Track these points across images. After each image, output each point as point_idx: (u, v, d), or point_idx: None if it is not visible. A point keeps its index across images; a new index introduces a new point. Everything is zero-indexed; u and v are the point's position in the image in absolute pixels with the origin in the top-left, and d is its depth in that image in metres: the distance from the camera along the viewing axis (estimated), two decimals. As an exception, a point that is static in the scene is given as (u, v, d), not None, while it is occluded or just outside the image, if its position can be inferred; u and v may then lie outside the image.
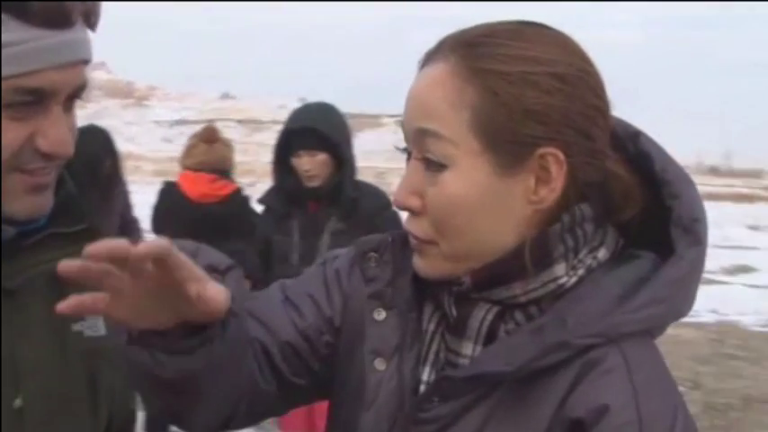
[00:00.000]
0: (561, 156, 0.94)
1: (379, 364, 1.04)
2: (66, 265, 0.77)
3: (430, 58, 1.00)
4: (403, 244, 1.09)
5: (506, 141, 0.94)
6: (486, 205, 0.96)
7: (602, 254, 1.00)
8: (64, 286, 1.06)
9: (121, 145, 4.25)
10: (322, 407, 3.87)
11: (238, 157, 4.57)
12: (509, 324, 0.98)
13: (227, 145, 4.57)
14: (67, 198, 1.10)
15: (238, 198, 4.42)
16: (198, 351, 0.89)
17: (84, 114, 1.13)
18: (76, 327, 1.11)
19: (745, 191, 34.42)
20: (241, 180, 4.75)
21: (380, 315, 1.06)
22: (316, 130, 3.35)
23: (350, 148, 3.49)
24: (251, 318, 1.05)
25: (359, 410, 1.05)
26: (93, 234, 1.03)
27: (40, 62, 0.95)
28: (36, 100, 0.96)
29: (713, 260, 10.50)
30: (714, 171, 41.16)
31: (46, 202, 1.04)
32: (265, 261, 3.55)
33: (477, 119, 0.94)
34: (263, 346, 1.06)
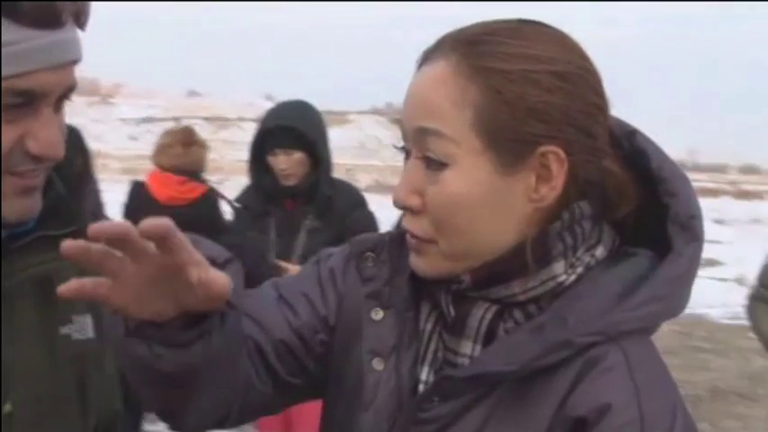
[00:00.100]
0: (562, 154, 0.94)
1: (377, 364, 1.04)
2: (69, 245, 0.75)
3: (429, 56, 0.99)
4: (400, 243, 1.08)
5: (508, 140, 0.94)
6: (487, 204, 0.95)
7: (599, 252, 1.00)
8: (52, 289, 1.05)
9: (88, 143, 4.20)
10: (299, 408, 3.85)
11: (202, 149, 4.53)
12: (508, 323, 0.98)
13: (203, 147, 4.52)
14: (56, 200, 1.09)
15: (208, 200, 4.35)
16: (196, 343, 0.88)
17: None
18: (64, 330, 1.10)
19: (710, 185, 34.79)
20: (209, 177, 4.71)
21: (378, 315, 1.06)
22: (292, 129, 3.34)
23: (326, 147, 3.48)
24: (244, 316, 1.04)
25: (356, 410, 1.04)
26: (82, 236, 1.01)
27: (31, 63, 0.94)
28: (26, 102, 0.95)
29: (680, 254, 10.49)
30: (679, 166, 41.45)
31: (35, 204, 1.03)
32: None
33: (479, 117, 0.93)
34: (256, 345, 1.05)
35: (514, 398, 0.96)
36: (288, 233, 3.43)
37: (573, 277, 0.98)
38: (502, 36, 0.96)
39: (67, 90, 1.00)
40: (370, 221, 3.51)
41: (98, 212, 4.16)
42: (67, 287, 0.79)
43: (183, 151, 4.27)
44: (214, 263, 0.87)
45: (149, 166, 4.44)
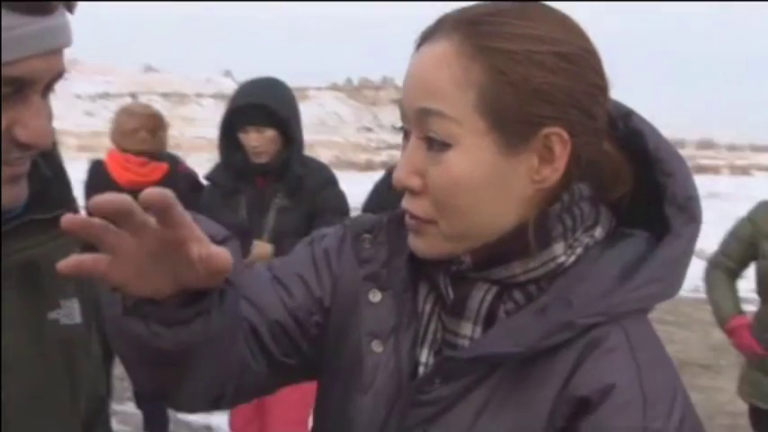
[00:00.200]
0: (566, 135, 0.94)
1: (377, 346, 1.04)
2: (70, 219, 0.74)
3: (429, 36, 0.98)
4: (398, 224, 1.07)
5: (512, 121, 0.93)
6: (489, 185, 0.95)
7: (598, 233, 1.00)
8: (39, 274, 1.06)
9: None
10: (271, 402, 3.73)
11: (166, 131, 4.39)
12: (508, 304, 0.98)
13: (167, 129, 4.38)
14: (43, 184, 1.08)
15: (172, 180, 4.21)
16: (195, 321, 0.86)
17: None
18: (52, 315, 1.09)
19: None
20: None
21: (376, 297, 1.06)
22: (264, 106, 3.27)
23: (298, 125, 3.42)
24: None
25: (354, 393, 1.04)
26: None
27: (23, 50, 0.92)
28: (16, 89, 0.93)
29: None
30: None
31: (21, 192, 1.01)
32: None
33: (483, 98, 0.92)
34: (251, 325, 1.05)
35: (515, 379, 0.96)
36: (258, 211, 3.37)
37: (572, 258, 0.98)
38: (505, 16, 0.94)
39: (56, 76, 0.98)
40: (340, 200, 3.48)
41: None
42: (66, 263, 0.77)
43: (149, 137, 4.13)
44: (213, 240, 0.85)
45: (107, 142, 4.28)
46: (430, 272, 1.03)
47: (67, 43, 0.97)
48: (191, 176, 4.22)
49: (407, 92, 0.98)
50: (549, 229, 0.96)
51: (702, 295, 3.73)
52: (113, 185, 3.88)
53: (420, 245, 1.00)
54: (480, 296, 0.98)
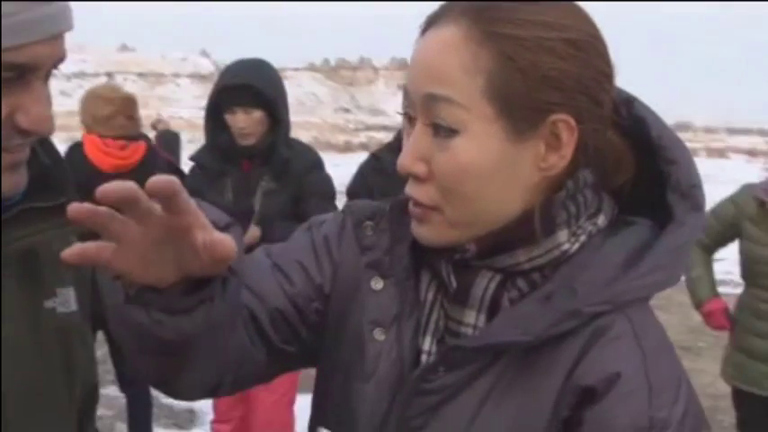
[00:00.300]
0: (573, 122, 0.93)
1: (379, 335, 1.03)
2: (76, 208, 0.73)
3: (435, 21, 0.96)
4: (400, 211, 1.06)
5: (521, 107, 0.92)
6: (496, 172, 0.94)
7: (601, 220, 1.00)
8: (37, 262, 1.06)
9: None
10: (254, 395, 3.72)
11: (140, 112, 4.32)
12: (512, 292, 0.97)
13: (138, 112, 4.30)
14: (43, 171, 1.07)
15: (152, 159, 4.16)
16: (197, 309, 0.86)
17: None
18: (49, 303, 1.08)
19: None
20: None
21: (378, 284, 1.05)
22: (252, 87, 3.23)
23: (285, 108, 3.38)
24: None
25: (355, 382, 1.04)
26: None
27: (27, 36, 0.90)
28: (17, 75, 0.91)
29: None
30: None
31: (21, 179, 1.00)
32: None
33: (491, 84, 0.91)
34: (251, 313, 1.04)
35: (520, 367, 0.96)
36: (244, 194, 3.33)
37: (576, 246, 0.97)
38: (514, 2, 0.93)
39: (58, 62, 0.97)
40: (326, 184, 3.46)
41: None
42: (71, 252, 0.77)
43: (126, 122, 4.05)
44: (216, 226, 0.84)
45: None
46: (432, 260, 1.02)
47: (69, 27, 0.96)
48: (171, 163, 4.20)
49: (413, 77, 0.96)
50: (554, 216, 0.96)
51: (682, 278, 3.75)
52: (95, 171, 3.84)
53: (425, 232, 0.99)
54: (484, 284, 0.98)
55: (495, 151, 0.93)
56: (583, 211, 0.97)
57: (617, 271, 0.94)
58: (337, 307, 1.08)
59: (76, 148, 3.98)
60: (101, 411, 4.15)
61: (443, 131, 0.93)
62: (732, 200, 3.36)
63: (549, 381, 0.94)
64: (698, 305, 3.48)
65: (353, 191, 3.83)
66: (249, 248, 1.11)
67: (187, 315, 0.85)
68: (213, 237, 0.78)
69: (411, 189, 0.98)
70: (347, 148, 33.55)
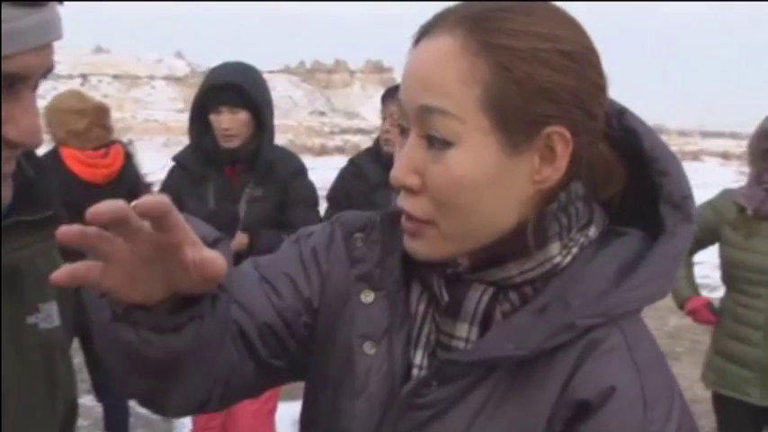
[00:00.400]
0: (568, 135, 0.92)
1: (369, 349, 1.02)
2: (65, 232, 0.71)
3: (429, 31, 0.95)
4: (391, 223, 1.05)
5: (516, 119, 0.91)
6: (491, 184, 0.93)
7: (592, 232, 0.99)
8: (20, 277, 1.04)
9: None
10: (236, 410, 3.66)
11: (115, 114, 4.26)
12: (504, 305, 0.97)
13: (111, 120, 4.24)
14: (28, 184, 1.04)
15: (129, 162, 4.14)
16: (187, 328, 0.85)
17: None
18: (31, 319, 1.06)
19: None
20: (119, 138, 4.45)
21: (368, 297, 1.04)
22: (239, 87, 3.20)
23: (270, 112, 3.35)
24: None
25: (344, 397, 1.02)
26: (59, 220, 0.99)
27: (18, 45, 0.88)
28: (7, 85, 0.89)
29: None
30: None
31: (7, 192, 0.98)
32: None
33: (487, 95, 0.90)
34: (239, 327, 1.03)
35: (513, 380, 0.95)
36: (225, 200, 3.30)
37: (568, 258, 0.97)
38: (509, 12, 0.93)
39: (47, 72, 0.95)
40: (311, 191, 3.43)
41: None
42: (60, 274, 0.75)
43: (102, 132, 4.00)
44: (204, 242, 0.82)
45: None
46: (423, 272, 1.01)
47: (59, 36, 0.94)
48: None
49: (407, 88, 0.95)
50: (546, 229, 0.95)
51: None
52: (87, 187, 3.80)
53: (419, 247, 0.97)
54: (477, 297, 0.97)
55: (490, 164, 0.92)
56: (574, 223, 0.97)
57: (610, 283, 0.93)
58: (326, 320, 1.06)
59: (54, 158, 3.84)
60: (77, 422, 4.10)
61: (438, 143, 0.92)
62: (711, 204, 3.37)
63: (542, 394, 0.93)
64: (681, 305, 3.49)
65: (333, 196, 3.82)
66: (236, 255, 1.08)
67: (176, 333, 0.84)
68: (203, 255, 0.77)
69: (404, 202, 0.96)
70: (323, 151, 33.51)
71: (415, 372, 1.00)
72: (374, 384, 1.01)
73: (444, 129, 0.91)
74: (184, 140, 3.57)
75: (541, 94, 0.90)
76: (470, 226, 0.94)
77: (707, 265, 3.59)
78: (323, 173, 3.59)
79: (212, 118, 3.23)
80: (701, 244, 3.42)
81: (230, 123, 3.21)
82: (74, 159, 3.86)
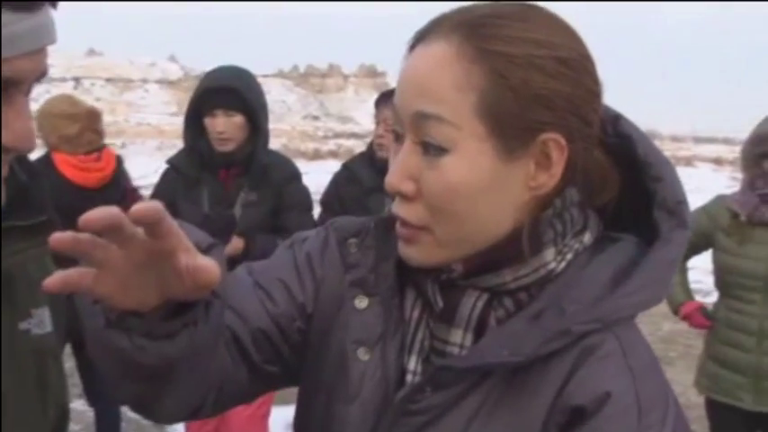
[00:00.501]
0: (563, 141, 0.92)
1: (363, 354, 1.02)
2: (58, 239, 0.71)
3: (424, 37, 0.95)
4: (385, 228, 1.05)
5: (512, 126, 0.91)
6: (487, 191, 0.92)
7: (587, 238, 0.99)
8: (13, 283, 1.03)
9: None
10: (229, 415, 3.65)
11: (107, 118, 4.24)
12: (498, 311, 0.97)
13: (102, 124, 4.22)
14: (21, 189, 1.04)
15: (120, 166, 4.13)
16: (180, 334, 0.84)
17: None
18: (23, 325, 1.06)
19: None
20: (113, 142, 4.43)
21: (362, 303, 1.04)
22: (235, 90, 3.19)
23: (266, 117, 3.34)
24: None
25: (338, 402, 1.02)
26: (52, 226, 0.99)
27: (12, 49, 0.88)
28: (1, 90, 0.89)
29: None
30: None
31: (1, 197, 0.97)
32: None
33: (483, 102, 0.90)
34: (233, 333, 1.03)
35: (508, 386, 0.95)
36: (219, 204, 3.28)
37: (563, 264, 0.97)
38: (505, 18, 0.92)
39: (40, 76, 0.95)
40: (306, 196, 3.42)
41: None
42: (53, 281, 0.74)
43: (95, 136, 3.98)
44: (198, 248, 0.82)
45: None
46: (417, 278, 1.01)
47: (53, 41, 0.94)
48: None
49: (402, 94, 0.95)
50: (541, 235, 0.95)
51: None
52: (75, 188, 3.79)
53: (414, 253, 0.97)
54: (471, 303, 0.97)
55: (485, 170, 0.91)
56: (569, 229, 0.97)
57: (604, 289, 0.93)
58: (320, 326, 1.06)
59: (47, 163, 3.81)
60: (69, 426, 4.08)
61: (433, 150, 0.92)
62: (705, 210, 3.38)
63: (537, 400, 0.93)
64: (675, 310, 3.50)
65: (327, 201, 3.81)
66: (231, 260, 1.08)
67: (170, 340, 0.84)
68: (197, 262, 0.76)
69: (399, 208, 0.96)
70: (316, 155, 33.51)
71: (408, 378, 1.00)
72: (368, 390, 1.01)
73: (440, 135, 0.91)
74: (178, 144, 3.56)
75: (537, 101, 0.90)
76: (465, 232, 0.94)
77: (699, 270, 3.59)
78: (316, 177, 3.58)
79: (207, 121, 3.22)
80: (695, 249, 3.42)
81: (225, 127, 3.20)
82: (66, 164, 3.84)
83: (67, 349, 3.33)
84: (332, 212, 3.54)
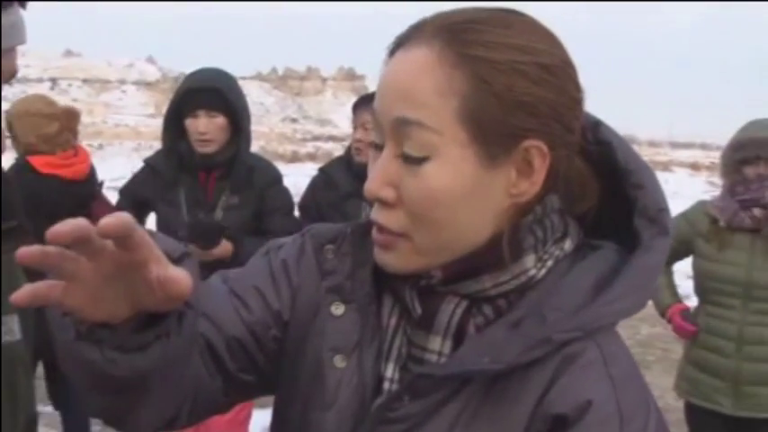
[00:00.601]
0: (545, 148, 0.91)
1: (339, 362, 1.00)
2: (26, 253, 0.69)
3: (404, 42, 0.93)
4: (362, 235, 1.04)
5: (494, 132, 0.90)
6: (468, 198, 0.91)
7: (568, 245, 0.98)
8: None
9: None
10: (209, 420, 3.64)
11: (85, 119, 4.20)
12: (477, 318, 0.95)
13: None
14: None
15: (91, 165, 4.09)
16: (152, 346, 0.82)
17: None
18: None
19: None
20: (90, 143, 4.38)
21: (339, 309, 1.02)
22: (217, 91, 3.15)
23: (248, 119, 3.29)
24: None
25: (314, 410, 1.01)
26: (23, 231, 0.99)
27: None
28: None
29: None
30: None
31: None
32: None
33: (465, 108, 0.89)
34: (207, 342, 1.01)
35: (487, 394, 0.93)
36: (198, 208, 3.23)
37: (543, 271, 0.96)
38: (487, 24, 0.91)
39: (10, 77, 0.94)
40: (288, 198, 3.39)
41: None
42: (21, 295, 0.72)
43: (71, 135, 3.93)
44: (169, 258, 0.80)
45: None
46: (395, 285, 0.99)
47: (22, 41, 0.92)
48: None
49: (382, 100, 0.93)
50: (521, 241, 0.94)
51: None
52: (60, 183, 3.75)
53: (391, 260, 0.96)
54: (450, 310, 0.96)
55: (467, 177, 0.90)
56: (549, 236, 0.96)
57: (586, 297, 0.92)
58: (296, 333, 1.05)
59: (24, 169, 3.70)
60: (43, 430, 4.03)
61: (413, 156, 0.91)
62: (685, 216, 3.38)
63: (517, 408, 0.92)
64: (662, 313, 3.49)
65: (305, 205, 3.79)
66: (222, 263, 1.06)
67: (142, 352, 0.82)
68: (168, 273, 0.74)
69: (378, 215, 0.95)
70: (294, 158, 33.51)
71: (386, 385, 0.98)
72: (344, 397, 0.99)
73: (421, 141, 0.90)
74: (155, 145, 3.53)
75: (520, 107, 0.89)
76: (444, 239, 0.93)
77: (677, 275, 3.60)
78: (294, 179, 3.56)
79: (189, 122, 3.17)
80: (676, 256, 3.42)
81: (207, 128, 3.15)
82: (46, 165, 3.76)
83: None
84: (309, 217, 3.52)
